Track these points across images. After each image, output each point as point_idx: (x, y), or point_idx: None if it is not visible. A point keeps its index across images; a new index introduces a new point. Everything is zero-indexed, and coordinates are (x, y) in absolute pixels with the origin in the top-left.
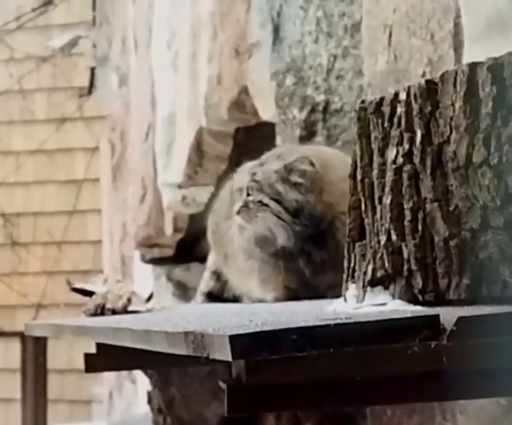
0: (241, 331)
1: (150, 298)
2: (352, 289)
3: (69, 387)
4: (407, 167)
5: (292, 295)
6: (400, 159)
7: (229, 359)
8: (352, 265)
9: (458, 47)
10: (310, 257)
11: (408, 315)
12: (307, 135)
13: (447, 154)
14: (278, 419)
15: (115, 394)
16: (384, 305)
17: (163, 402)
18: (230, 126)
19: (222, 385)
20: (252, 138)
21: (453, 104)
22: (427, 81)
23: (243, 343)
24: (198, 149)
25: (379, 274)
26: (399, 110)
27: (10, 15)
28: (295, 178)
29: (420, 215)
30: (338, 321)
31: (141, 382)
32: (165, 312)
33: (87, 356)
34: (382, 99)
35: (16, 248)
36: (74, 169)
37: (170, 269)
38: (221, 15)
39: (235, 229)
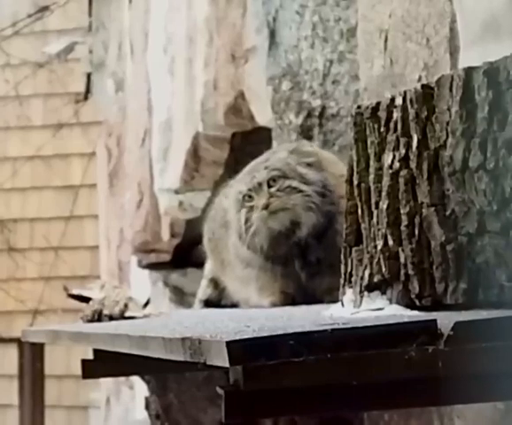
0: (238, 337)
1: (147, 304)
2: (349, 294)
3: (66, 393)
4: (404, 172)
5: (289, 300)
6: (397, 164)
7: (227, 364)
8: (349, 269)
9: (454, 51)
10: (306, 258)
11: (405, 320)
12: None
13: (444, 159)
14: (276, 424)
15: (113, 400)
16: (381, 309)
17: (161, 408)
18: (227, 131)
19: (220, 391)
20: (248, 143)
21: (449, 109)
22: (423, 86)
23: (240, 349)
24: (195, 154)
25: (376, 278)
26: (396, 115)
27: (6, 21)
28: (306, 159)
29: (416, 220)
30: (335, 327)
31: (138, 388)
32: (162, 318)
33: (84, 362)
34: (378, 104)
35: (13, 254)
36: (71, 175)
37: (167, 274)
38: (217, 20)
39: (233, 238)
